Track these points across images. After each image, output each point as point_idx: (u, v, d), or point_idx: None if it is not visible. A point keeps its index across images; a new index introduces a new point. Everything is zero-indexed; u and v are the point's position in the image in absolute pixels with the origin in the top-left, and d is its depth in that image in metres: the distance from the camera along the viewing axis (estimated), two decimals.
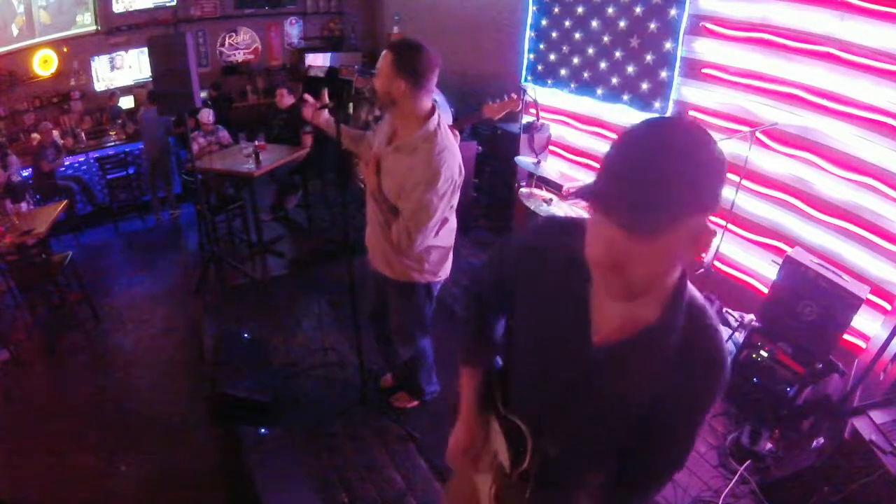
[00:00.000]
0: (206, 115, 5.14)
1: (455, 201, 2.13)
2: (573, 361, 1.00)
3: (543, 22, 4.62)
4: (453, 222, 2.27)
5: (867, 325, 2.90)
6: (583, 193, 0.87)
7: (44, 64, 5.91)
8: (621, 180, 0.78)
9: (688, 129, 0.80)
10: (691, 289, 0.95)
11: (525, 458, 1.14)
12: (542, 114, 4.53)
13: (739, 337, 3.16)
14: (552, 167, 4.21)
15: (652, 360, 0.93)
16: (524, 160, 3.86)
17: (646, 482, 1.11)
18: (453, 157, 2.02)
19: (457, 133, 2.45)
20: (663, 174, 0.75)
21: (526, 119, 4.45)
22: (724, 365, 0.94)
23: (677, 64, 3.64)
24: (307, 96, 2.29)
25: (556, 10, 4.46)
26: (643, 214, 0.75)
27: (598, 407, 1.01)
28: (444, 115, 3.79)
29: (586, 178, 4.48)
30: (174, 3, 6.48)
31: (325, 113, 2.21)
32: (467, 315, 1.32)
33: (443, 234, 2.20)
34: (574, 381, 1.01)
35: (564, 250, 0.95)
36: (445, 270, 2.33)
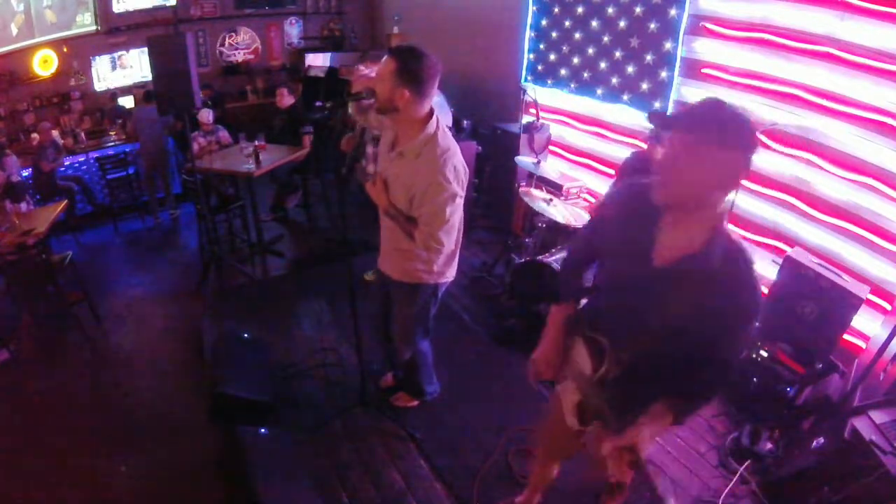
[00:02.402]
0: (206, 115, 5.14)
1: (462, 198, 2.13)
2: (641, 280, 1.34)
3: (543, 22, 4.62)
4: (462, 222, 2.27)
5: (867, 325, 2.90)
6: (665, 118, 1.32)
7: (44, 64, 5.90)
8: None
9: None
10: (731, 233, 1.29)
11: (604, 365, 1.45)
12: (542, 114, 4.53)
13: None
14: (552, 167, 4.21)
15: (695, 279, 1.24)
16: (524, 160, 3.86)
17: (701, 385, 1.39)
18: (456, 156, 2.03)
19: None
20: (713, 115, 1.17)
21: (526, 119, 4.45)
22: (753, 286, 1.25)
23: (677, 64, 3.64)
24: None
25: (556, 10, 4.46)
26: (698, 125, 1.17)
27: (660, 318, 1.31)
28: (444, 117, 3.80)
29: (586, 177, 4.49)
30: (174, 3, 6.47)
31: None
32: (564, 267, 1.77)
33: (454, 235, 2.20)
34: (642, 297, 1.34)
35: (638, 201, 1.32)
36: (452, 271, 2.34)
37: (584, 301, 1.68)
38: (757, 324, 3.00)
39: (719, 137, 1.15)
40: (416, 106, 1.97)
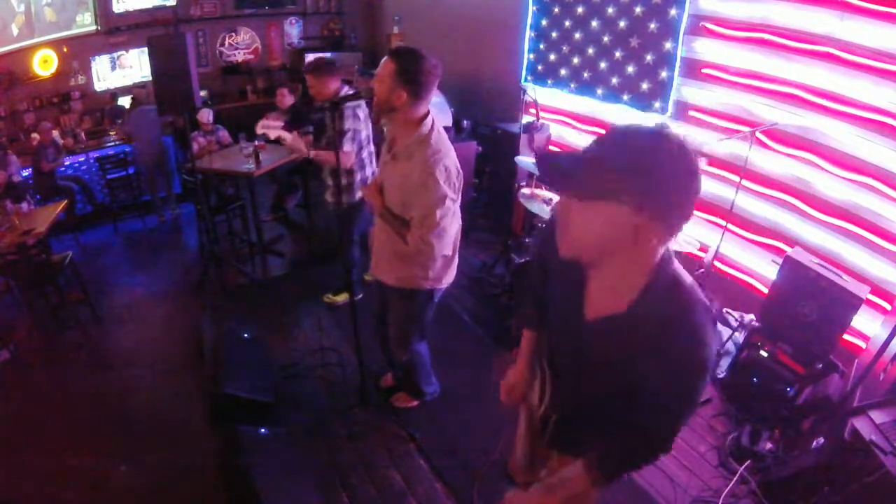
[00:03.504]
0: (206, 115, 5.14)
1: (457, 203, 2.12)
2: (572, 332, 1.18)
3: (543, 22, 4.62)
4: (458, 228, 2.25)
5: (867, 325, 2.90)
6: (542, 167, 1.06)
7: (44, 64, 5.90)
8: (566, 156, 1.03)
9: (655, 134, 0.91)
10: (678, 283, 1.02)
11: (543, 404, 1.35)
12: (542, 114, 4.53)
13: (739, 337, 3.16)
14: None
15: (626, 341, 1.04)
16: (524, 160, 3.85)
17: (629, 452, 1.20)
18: (448, 157, 2.03)
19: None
20: (601, 156, 0.92)
21: (526, 119, 4.45)
22: (696, 370, 1.00)
23: (677, 64, 3.65)
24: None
25: (556, 10, 4.46)
26: (570, 181, 0.95)
27: (591, 374, 1.18)
28: (444, 117, 3.80)
29: None
30: (174, 3, 6.47)
31: None
32: (526, 288, 1.54)
33: (447, 240, 2.18)
34: (573, 349, 1.20)
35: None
36: (450, 276, 2.33)
37: None
38: (757, 324, 3.00)
39: (591, 187, 0.91)
40: (414, 107, 1.98)
